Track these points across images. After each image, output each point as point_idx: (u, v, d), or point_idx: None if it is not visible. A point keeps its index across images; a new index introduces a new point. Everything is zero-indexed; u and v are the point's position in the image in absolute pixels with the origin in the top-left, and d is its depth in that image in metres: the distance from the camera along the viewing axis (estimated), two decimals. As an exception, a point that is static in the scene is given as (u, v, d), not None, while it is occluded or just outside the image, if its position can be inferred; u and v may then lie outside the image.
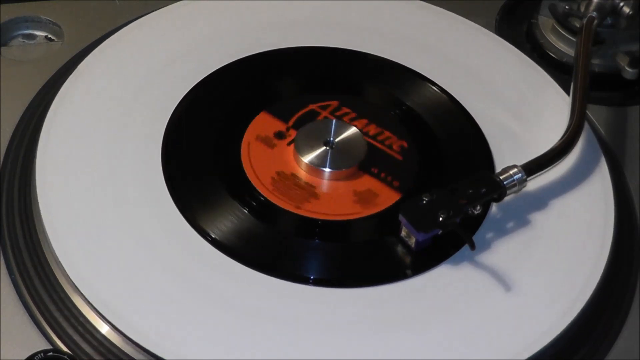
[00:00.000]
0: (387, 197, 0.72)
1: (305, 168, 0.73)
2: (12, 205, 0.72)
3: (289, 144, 0.74)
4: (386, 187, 0.73)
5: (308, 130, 0.75)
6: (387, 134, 0.76)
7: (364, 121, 0.77)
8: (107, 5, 0.87)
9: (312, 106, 0.77)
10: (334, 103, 0.78)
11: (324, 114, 0.77)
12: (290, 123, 0.76)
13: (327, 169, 0.73)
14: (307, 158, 0.73)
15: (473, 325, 0.66)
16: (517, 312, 0.67)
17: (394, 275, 0.68)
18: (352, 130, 0.75)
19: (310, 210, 0.71)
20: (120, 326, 0.63)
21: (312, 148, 0.74)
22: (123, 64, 0.79)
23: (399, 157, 0.75)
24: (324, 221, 0.70)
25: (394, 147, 0.76)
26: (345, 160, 0.74)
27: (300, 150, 0.74)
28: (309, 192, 0.72)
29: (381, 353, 0.64)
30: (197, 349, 0.63)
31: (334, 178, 0.73)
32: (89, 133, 0.74)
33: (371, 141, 0.75)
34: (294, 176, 0.73)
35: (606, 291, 0.70)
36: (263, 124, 0.76)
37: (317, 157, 0.73)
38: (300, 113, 0.77)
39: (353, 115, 0.77)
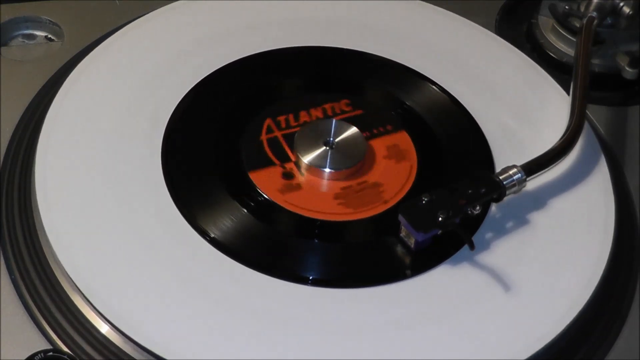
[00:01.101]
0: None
1: (306, 168, 0.73)
2: (12, 205, 0.72)
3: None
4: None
5: (308, 130, 0.75)
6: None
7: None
8: (107, 5, 0.87)
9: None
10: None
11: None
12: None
13: (327, 169, 0.73)
14: (307, 158, 0.73)
15: (473, 325, 0.66)
16: (517, 312, 0.67)
17: (394, 275, 0.68)
18: (352, 130, 0.75)
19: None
20: (120, 326, 0.63)
21: (312, 148, 0.74)
22: (123, 64, 0.79)
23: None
24: (323, 221, 0.70)
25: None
26: (345, 160, 0.74)
27: (300, 150, 0.74)
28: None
29: (380, 353, 0.64)
30: (197, 348, 0.63)
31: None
32: (88, 133, 0.74)
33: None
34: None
35: (606, 291, 0.70)
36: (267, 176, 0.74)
37: (317, 157, 0.73)
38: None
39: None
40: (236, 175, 0.73)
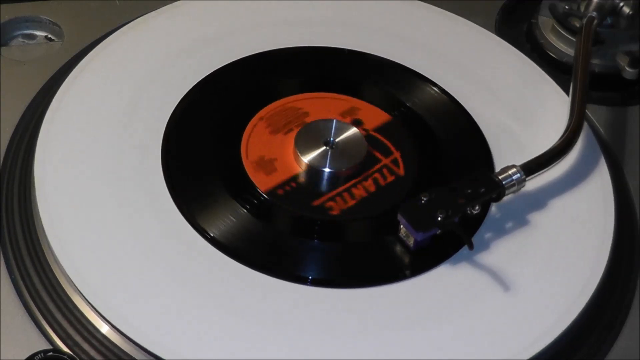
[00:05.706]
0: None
1: (306, 168, 0.73)
2: (12, 205, 0.72)
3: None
4: None
5: (308, 130, 0.75)
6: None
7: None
8: (107, 5, 0.87)
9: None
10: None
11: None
12: None
13: (327, 169, 0.73)
14: (307, 158, 0.73)
15: (473, 326, 0.66)
16: (517, 312, 0.67)
17: (393, 275, 0.68)
18: (352, 130, 0.75)
19: None
20: (120, 326, 0.63)
21: (312, 148, 0.74)
22: (123, 64, 0.79)
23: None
24: (323, 221, 0.70)
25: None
26: (345, 160, 0.74)
27: (300, 150, 0.74)
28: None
29: (380, 353, 0.64)
30: (197, 348, 0.63)
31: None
32: (88, 133, 0.74)
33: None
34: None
35: (606, 291, 0.70)
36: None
37: (317, 157, 0.73)
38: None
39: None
40: (236, 175, 0.73)
